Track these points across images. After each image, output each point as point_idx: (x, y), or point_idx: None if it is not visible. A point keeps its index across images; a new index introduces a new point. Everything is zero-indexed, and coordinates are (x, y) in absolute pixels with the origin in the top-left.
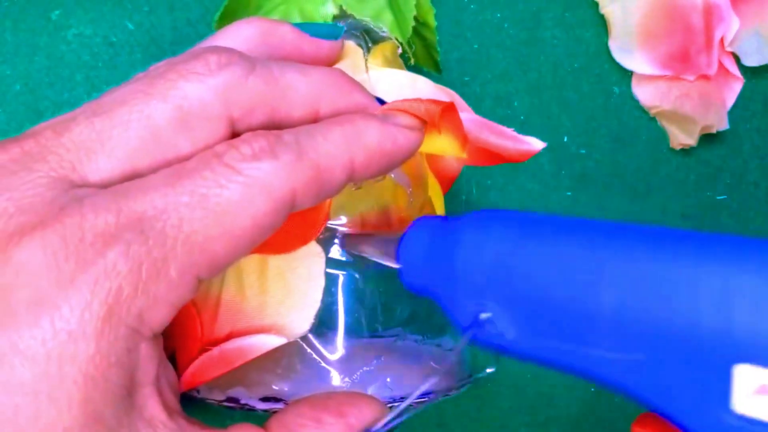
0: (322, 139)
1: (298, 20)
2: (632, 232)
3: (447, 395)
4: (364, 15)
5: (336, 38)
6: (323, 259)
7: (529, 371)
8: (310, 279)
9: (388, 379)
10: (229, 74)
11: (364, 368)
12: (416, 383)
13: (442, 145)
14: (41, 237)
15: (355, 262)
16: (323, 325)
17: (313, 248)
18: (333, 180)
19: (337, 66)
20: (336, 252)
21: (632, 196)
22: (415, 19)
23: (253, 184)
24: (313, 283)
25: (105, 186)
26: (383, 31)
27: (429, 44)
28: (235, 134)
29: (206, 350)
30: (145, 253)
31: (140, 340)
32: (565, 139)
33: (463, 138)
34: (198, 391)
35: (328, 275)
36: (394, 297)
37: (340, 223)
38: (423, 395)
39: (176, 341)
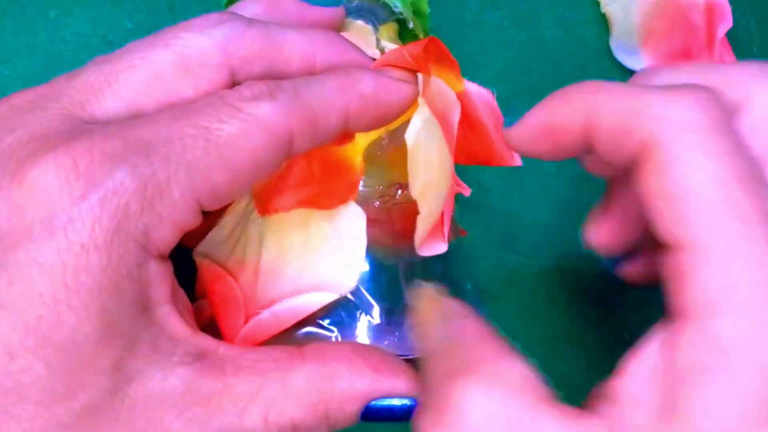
0: (317, 85)
1: None
2: None
3: None
4: None
5: (337, 5)
6: (364, 219)
7: None
8: (354, 237)
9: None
10: (228, 27)
11: (406, 325)
12: None
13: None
14: (54, 159)
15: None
16: (362, 284)
17: (354, 209)
18: (328, 124)
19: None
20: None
21: None
22: (411, 5)
23: (252, 121)
24: (357, 241)
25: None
26: (396, 7)
27: (422, 30)
28: (235, 84)
29: (254, 315)
30: (150, 174)
31: (149, 257)
32: None
33: (456, 69)
34: None
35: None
36: (417, 267)
37: (371, 189)
38: None
39: (217, 312)
